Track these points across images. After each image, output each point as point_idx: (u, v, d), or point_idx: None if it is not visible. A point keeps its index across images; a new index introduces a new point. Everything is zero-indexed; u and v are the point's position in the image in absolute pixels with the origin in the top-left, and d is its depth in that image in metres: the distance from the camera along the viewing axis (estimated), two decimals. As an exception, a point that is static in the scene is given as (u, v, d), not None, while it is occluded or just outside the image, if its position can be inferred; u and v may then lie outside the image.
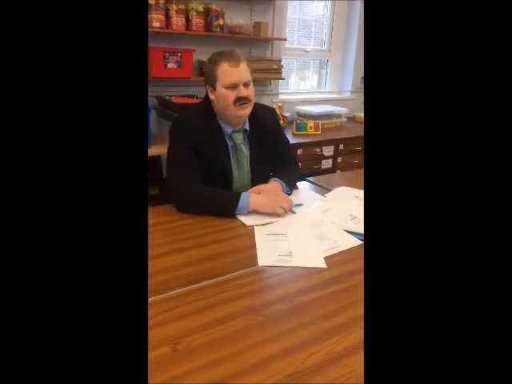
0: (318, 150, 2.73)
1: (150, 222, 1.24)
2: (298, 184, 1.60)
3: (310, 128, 2.85)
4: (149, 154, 2.13)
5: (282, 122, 2.71)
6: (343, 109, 3.20)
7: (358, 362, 0.71)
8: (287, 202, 1.32)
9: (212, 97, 1.37)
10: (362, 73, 3.46)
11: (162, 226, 1.24)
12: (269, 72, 2.83)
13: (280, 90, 3.19)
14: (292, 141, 2.47)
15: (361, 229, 1.21)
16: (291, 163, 1.58)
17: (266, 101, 2.96)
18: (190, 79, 2.48)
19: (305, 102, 3.31)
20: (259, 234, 1.18)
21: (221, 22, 2.53)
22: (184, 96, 2.50)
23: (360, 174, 1.80)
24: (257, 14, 2.80)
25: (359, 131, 2.95)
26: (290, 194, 1.47)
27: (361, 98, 3.43)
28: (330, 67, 3.59)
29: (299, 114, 3.11)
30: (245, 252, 1.09)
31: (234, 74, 1.31)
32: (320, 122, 2.90)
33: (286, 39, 3.01)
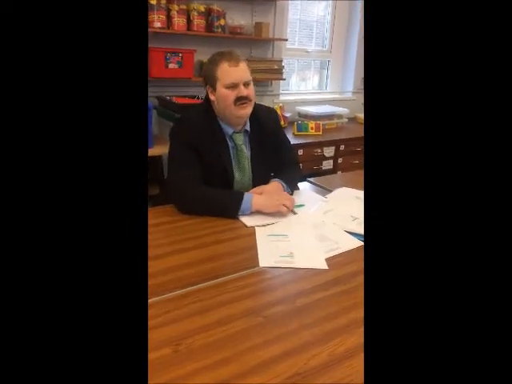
0: (319, 151, 2.73)
1: (151, 222, 1.24)
2: (299, 185, 1.60)
3: (311, 129, 2.84)
4: (149, 154, 2.13)
5: (282, 122, 2.71)
6: (344, 109, 3.20)
7: (360, 363, 0.71)
8: (289, 201, 1.33)
9: (212, 97, 1.37)
10: (362, 73, 3.46)
11: (163, 227, 1.24)
12: (270, 72, 2.83)
13: (281, 91, 3.19)
14: (293, 141, 2.46)
15: (362, 230, 1.20)
16: (292, 164, 1.58)
17: (266, 101, 2.96)
18: (190, 79, 2.48)
19: (306, 102, 3.31)
20: (260, 235, 1.18)
21: (222, 22, 2.53)
22: (185, 96, 2.50)
23: (361, 174, 1.80)
24: (258, 15, 2.80)
25: (360, 132, 2.95)
26: (291, 195, 1.46)
27: (362, 98, 3.42)
28: (331, 68, 3.59)
29: (300, 115, 3.11)
30: (246, 253, 1.09)
31: (233, 73, 1.31)
32: (321, 123, 2.90)
33: (287, 40, 3.01)
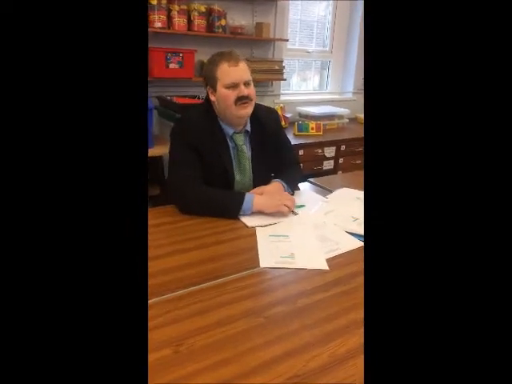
0: (320, 151, 2.73)
1: (152, 222, 1.24)
2: (300, 185, 1.60)
3: (312, 129, 2.84)
4: (150, 155, 2.13)
5: (283, 122, 2.71)
6: (345, 110, 3.20)
7: (361, 364, 0.71)
8: (290, 201, 1.33)
9: (213, 98, 1.37)
10: (363, 74, 3.46)
11: (164, 227, 1.24)
12: (270, 73, 2.83)
13: (281, 91, 3.19)
14: (293, 142, 2.46)
15: (363, 230, 1.20)
16: (293, 164, 1.58)
17: (267, 101, 2.96)
18: (191, 80, 2.48)
19: (306, 102, 3.31)
20: (261, 236, 1.18)
21: (223, 22, 2.53)
22: (185, 96, 2.50)
23: (362, 175, 1.79)
24: (259, 15, 2.80)
25: (361, 132, 2.95)
26: (291, 195, 1.46)
27: (362, 99, 3.42)
28: (332, 68, 3.59)
29: (301, 115, 3.11)
30: (246, 253, 1.08)
31: (233, 73, 1.30)
32: (322, 123, 2.90)
33: (287, 40, 3.02)
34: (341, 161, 2.85)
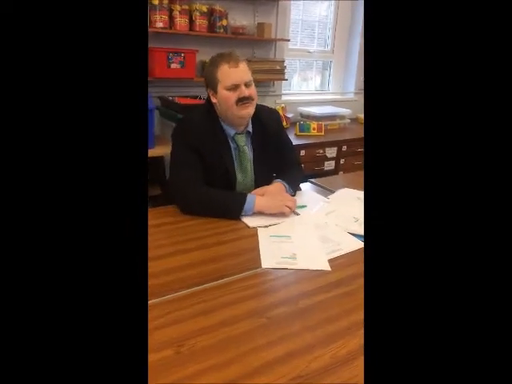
0: (321, 152, 2.73)
1: (153, 222, 1.24)
2: (301, 185, 1.60)
3: (313, 129, 2.84)
4: (152, 155, 2.13)
5: (284, 123, 2.70)
6: (346, 110, 3.20)
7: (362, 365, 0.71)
8: (292, 202, 1.33)
9: (214, 100, 1.37)
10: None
11: (165, 227, 1.24)
12: (272, 73, 2.82)
13: (283, 91, 3.19)
14: (295, 142, 2.45)
15: (364, 231, 1.20)
16: (294, 165, 1.58)
17: (268, 102, 2.96)
18: (193, 80, 2.48)
19: (308, 103, 3.31)
20: (262, 236, 1.18)
21: (224, 22, 2.53)
22: (187, 96, 2.50)
23: (363, 175, 1.79)
24: (260, 15, 2.80)
25: (362, 133, 2.93)
26: (293, 196, 1.46)
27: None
28: (333, 68, 3.59)
29: (302, 115, 3.11)
30: (248, 254, 1.08)
31: (234, 74, 1.30)
32: (323, 124, 2.89)
33: (289, 40, 3.01)
34: (342, 161, 2.84)
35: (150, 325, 0.77)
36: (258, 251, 1.09)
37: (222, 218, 1.28)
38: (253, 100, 1.35)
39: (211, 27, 2.51)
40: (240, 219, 1.28)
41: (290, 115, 3.00)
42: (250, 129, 1.43)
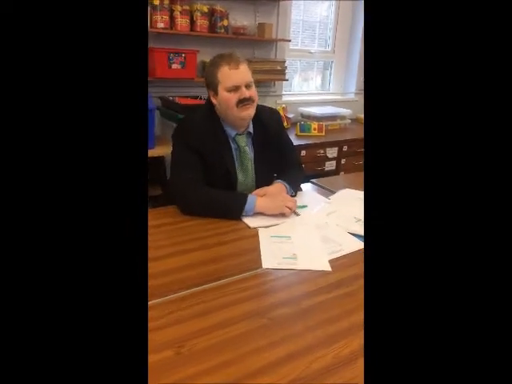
0: (322, 152, 2.73)
1: (153, 223, 1.24)
2: (302, 186, 1.60)
3: (314, 129, 2.84)
4: (152, 155, 2.13)
5: (285, 123, 2.70)
6: (347, 110, 3.20)
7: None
8: (292, 202, 1.33)
9: (215, 101, 1.36)
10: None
11: (166, 228, 1.23)
12: (272, 73, 2.82)
13: (284, 92, 3.19)
14: (295, 142, 2.45)
15: (365, 231, 1.20)
16: (295, 165, 1.58)
17: (269, 102, 2.95)
18: (193, 80, 2.48)
19: (308, 103, 3.31)
20: (263, 237, 1.18)
21: (225, 23, 2.53)
22: (188, 97, 2.50)
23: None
24: (261, 15, 2.80)
25: (363, 133, 2.94)
26: (294, 196, 1.46)
27: (365, 99, 3.42)
28: (334, 68, 3.59)
29: (303, 116, 3.11)
30: (249, 254, 1.08)
31: (234, 76, 1.30)
32: (324, 124, 2.89)
33: (290, 40, 3.01)
34: (343, 161, 2.84)
35: (151, 325, 0.77)
36: (259, 252, 1.09)
37: (223, 218, 1.27)
38: (253, 101, 1.35)
39: (212, 27, 2.51)
40: (241, 219, 1.28)
41: (290, 115, 3.00)
42: (250, 129, 1.43)
